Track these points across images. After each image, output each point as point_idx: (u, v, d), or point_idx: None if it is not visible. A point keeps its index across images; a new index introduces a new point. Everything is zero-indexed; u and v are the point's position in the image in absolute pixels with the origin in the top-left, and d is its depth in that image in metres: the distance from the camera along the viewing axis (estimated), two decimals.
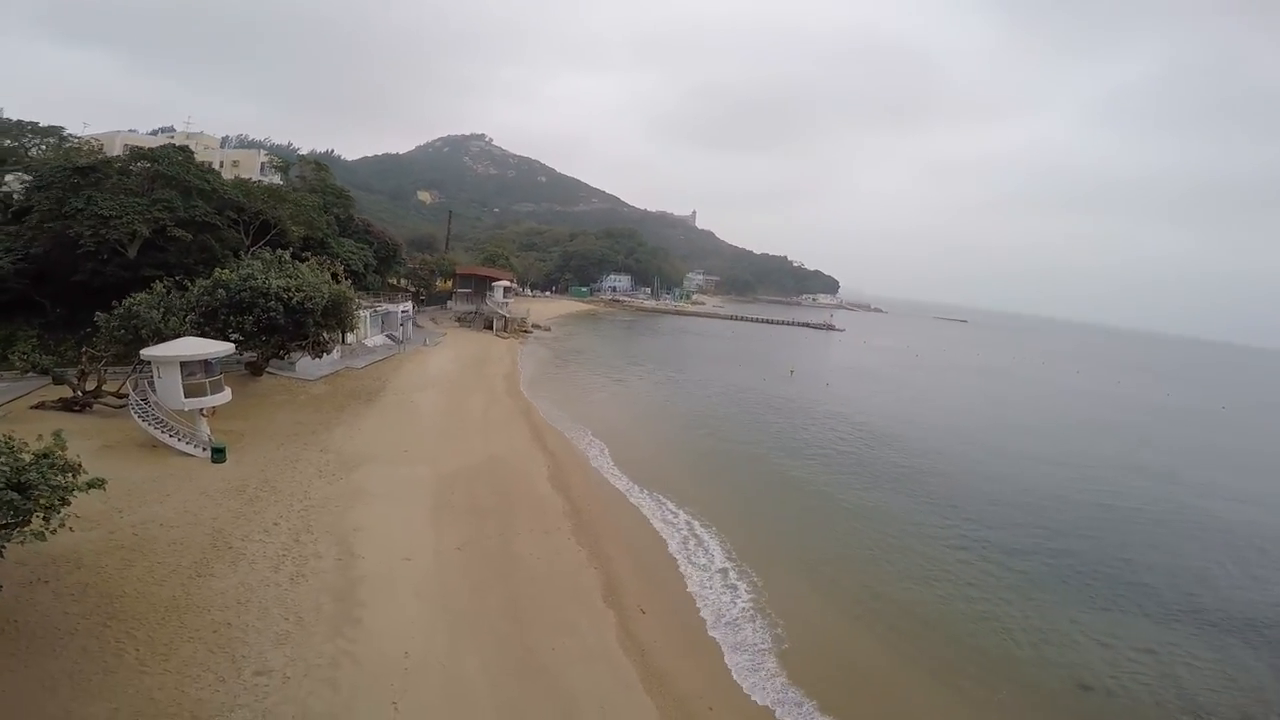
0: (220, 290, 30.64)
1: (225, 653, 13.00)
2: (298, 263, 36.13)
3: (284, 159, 76.12)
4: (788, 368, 75.56)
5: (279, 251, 35.67)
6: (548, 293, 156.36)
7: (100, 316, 30.19)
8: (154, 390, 26.66)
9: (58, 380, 29.67)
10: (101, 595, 14.37)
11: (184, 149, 41.69)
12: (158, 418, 26.27)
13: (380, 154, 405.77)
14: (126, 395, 27.94)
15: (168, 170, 37.03)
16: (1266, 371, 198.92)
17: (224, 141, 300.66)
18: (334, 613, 15.10)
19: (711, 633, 17.07)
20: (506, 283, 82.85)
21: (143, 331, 28.84)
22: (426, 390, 42.48)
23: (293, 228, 51.16)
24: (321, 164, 73.10)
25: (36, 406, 27.83)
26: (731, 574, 20.76)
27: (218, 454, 25.24)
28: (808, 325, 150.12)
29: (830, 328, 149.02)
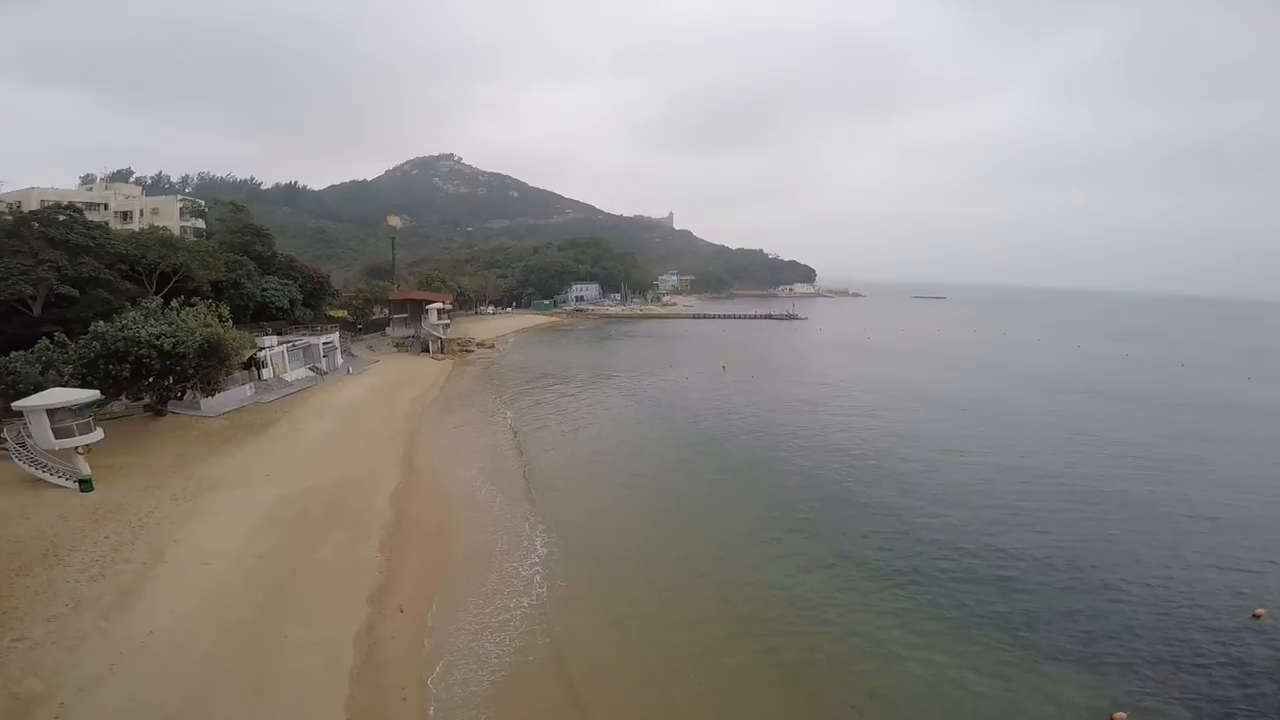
0: (95, 343, 34.47)
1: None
2: (181, 309, 39.96)
3: (197, 205, 79.82)
4: (721, 363, 78.95)
5: (158, 301, 39.44)
6: (509, 308, 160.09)
7: None
8: (29, 435, 30.61)
9: None
10: None
11: (70, 208, 45.57)
12: (33, 457, 30.17)
13: (348, 181, 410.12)
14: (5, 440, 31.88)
15: (51, 231, 40.91)
16: (1238, 323, 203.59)
17: (184, 181, 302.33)
18: (110, 602, 18.75)
19: (451, 639, 18.92)
20: (440, 305, 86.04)
21: (19, 386, 32.61)
22: (323, 418, 45.99)
23: (200, 272, 55.11)
24: (239, 205, 76.97)
25: None
26: (537, 582, 22.83)
27: (85, 484, 29.01)
28: (770, 317, 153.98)
29: (793, 317, 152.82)
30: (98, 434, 31.34)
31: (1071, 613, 21.74)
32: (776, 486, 34.66)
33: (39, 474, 29.64)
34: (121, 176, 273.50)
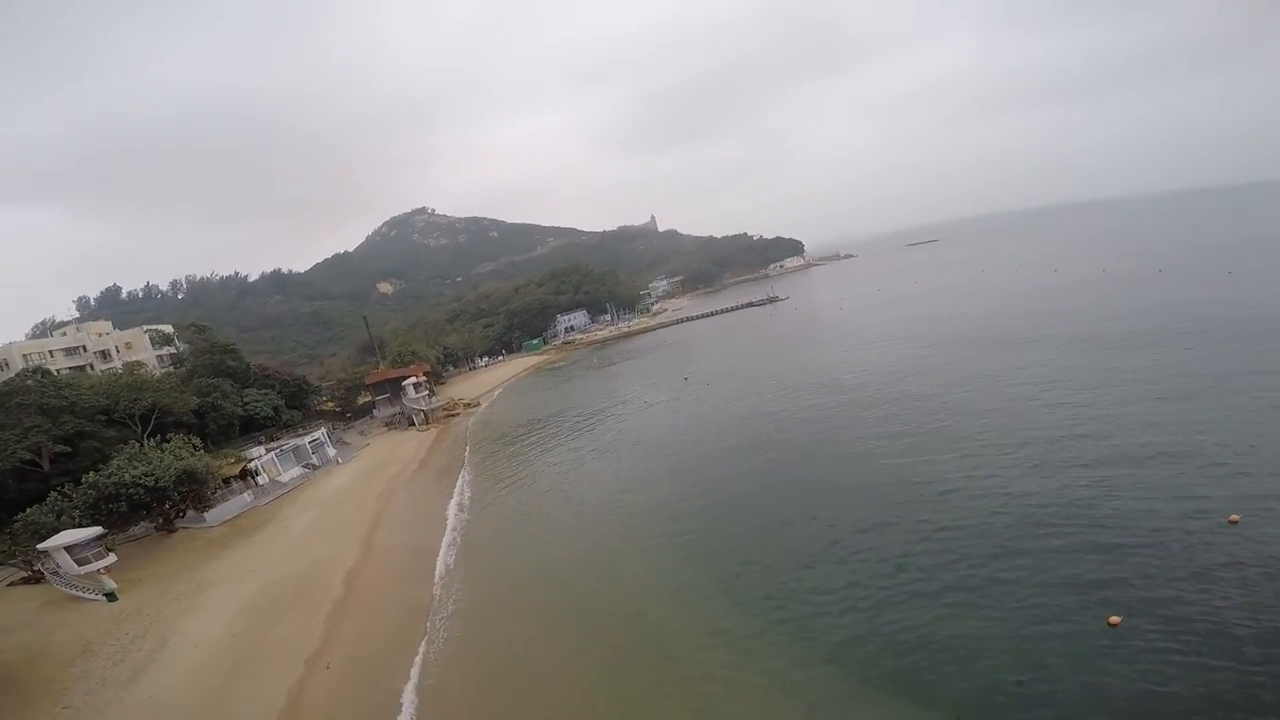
0: (90, 490, 42.99)
1: (53, 697, 25.23)
2: (160, 447, 48.25)
3: (165, 334, 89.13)
4: (684, 375, 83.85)
5: (138, 444, 47.78)
6: (500, 356, 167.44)
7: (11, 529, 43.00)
8: (58, 566, 39.36)
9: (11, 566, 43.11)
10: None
11: (39, 372, 54.73)
12: (66, 580, 38.91)
13: (331, 256, 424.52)
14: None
15: (25, 400, 49.76)
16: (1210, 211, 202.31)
17: (175, 286, 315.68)
18: (126, 679, 27.38)
19: (359, 686, 25.34)
20: (414, 380, 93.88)
21: (40, 532, 41.39)
22: (307, 512, 53.69)
23: (179, 400, 63.77)
24: (200, 325, 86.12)
25: (11, 584, 41.87)
26: (439, 638, 28.54)
27: (110, 597, 37.92)
28: (750, 305, 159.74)
29: (774, 300, 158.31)
30: (111, 558, 40.48)
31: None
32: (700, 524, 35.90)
33: (73, 593, 38.84)
34: (113, 294, 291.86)
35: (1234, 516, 25.16)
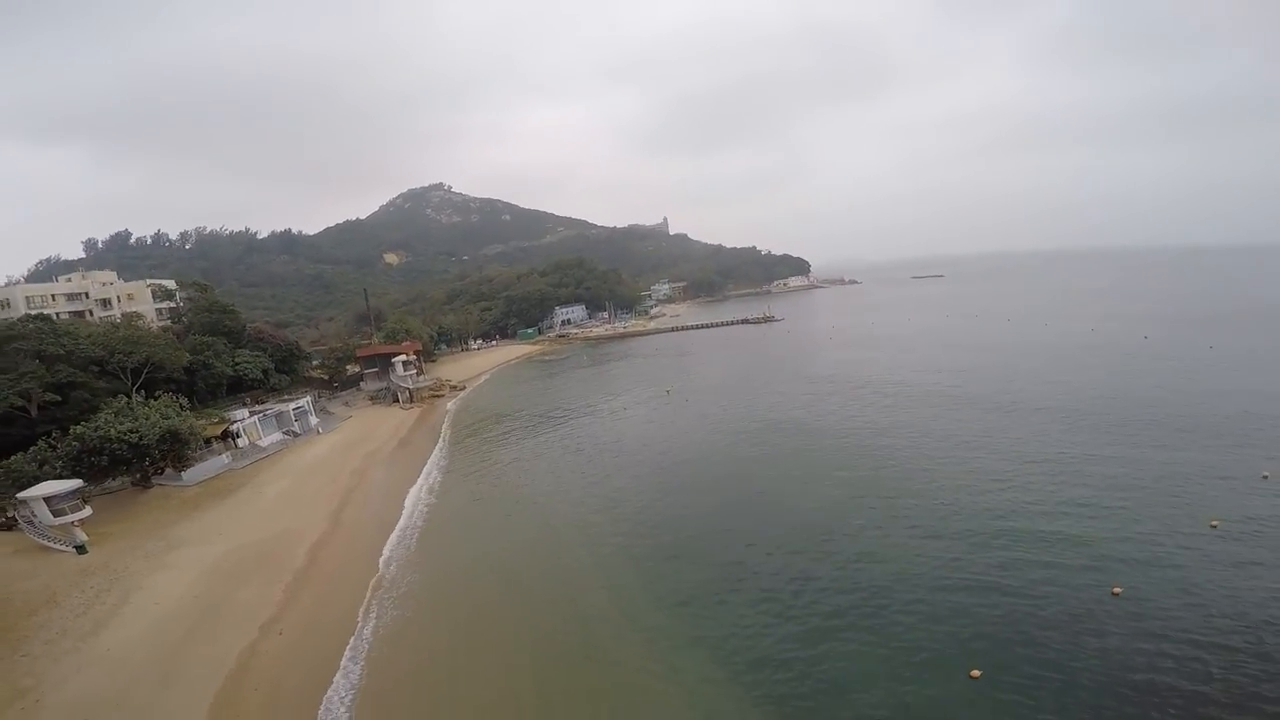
0: (75, 442, 44.54)
1: (12, 645, 26.80)
2: (148, 403, 49.89)
3: (167, 289, 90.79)
4: (666, 388, 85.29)
5: (127, 399, 49.38)
6: (494, 341, 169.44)
7: None
8: (34, 515, 40.75)
9: None
10: None
11: (41, 318, 56.20)
12: (40, 531, 40.32)
13: (342, 222, 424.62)
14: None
15: (26, 345, 51.32)
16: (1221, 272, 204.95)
17: (184, 237, 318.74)
18: (87, 631, 28.73)
19: (307, 652, 27.32)
20: (405, 357, 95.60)
21: (21, 480, 42.88)
22: (282, 480, 55.45)
23: (173, 356, 65.37)
24: (203, 284, 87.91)
25: None
26: (389, 614, 30.61)
27: (80, 549, 39.41)
28: (746, 321, 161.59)
29: (769, 320, 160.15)
30: (86, 511, 41.87)
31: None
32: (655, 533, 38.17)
33: (45, 543, 40.21)
34: (122, 239, 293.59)
35: (1116, 589, 27.25)
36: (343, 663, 26.86)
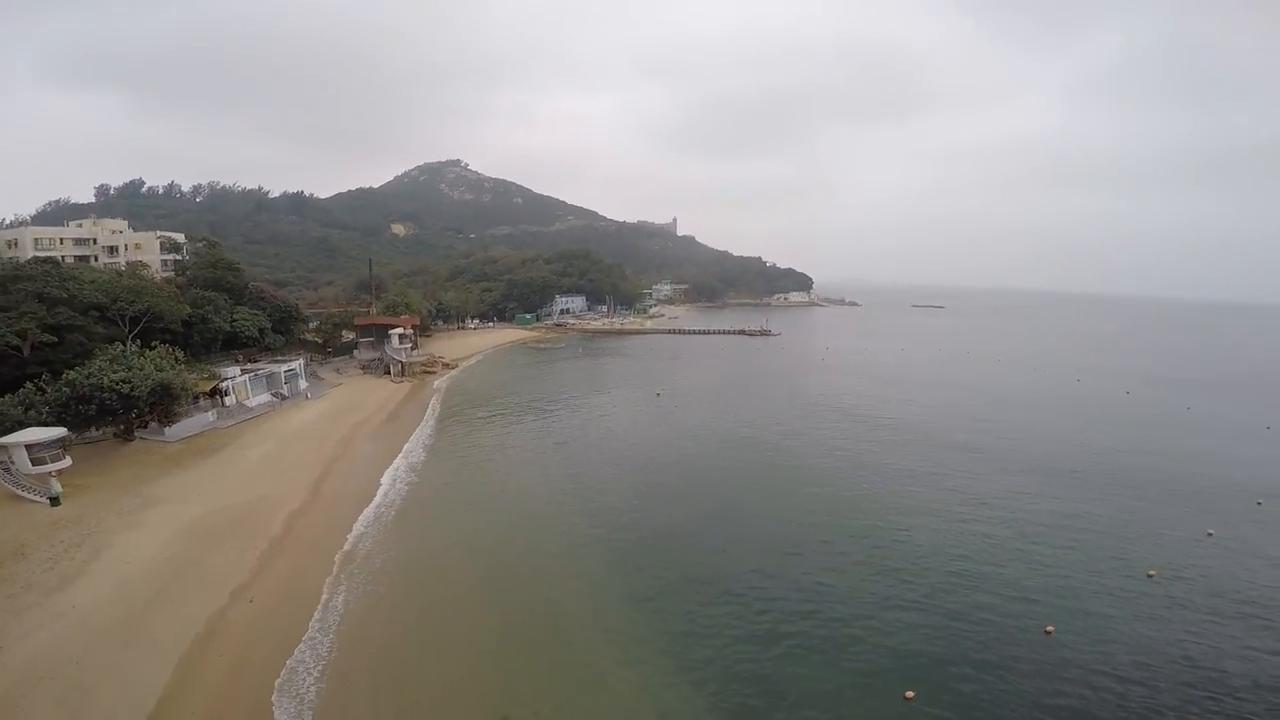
0: (66, 388, 44.81)
1: None
2: (143, 353, 50.19)
3: (175, 241, 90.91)
4: (657, 391, 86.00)
5: (123, 346, 49.65)
6: (491, 323, 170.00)
7: None
8: (12, 462, 40.90)
9: None
10: None
11: (48, 261, 56.36)
12: (15, 479, 40.44)
13: (354, 189, 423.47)
14: None
15: (30, 287, 51.55)
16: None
17: (196, 190, 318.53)
18: (53, 586, 28.62)
19: (274, 622, 27.61)
20: (402, 330, 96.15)
21: (4, 424, 42.99)
22: (265, 443, 55.84)
23: (174, 308, 65.67)
24: (212, 240, 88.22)
25: None
26: (362, 588, 31.28)
27: (54, 501, 39.22)
28: (744, 333, 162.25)
29: (766, 334, 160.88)
30: (67, 461, 41.70)
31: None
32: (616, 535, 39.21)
33: (19, 492, 40.07)
34: (134, 187, 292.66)
35: (1050, 627, 28.77)
36: (311, 634, 27.33)
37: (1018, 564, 35.49)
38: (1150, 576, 34.14)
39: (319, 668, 25.18)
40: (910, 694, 24.09)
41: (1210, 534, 40.37)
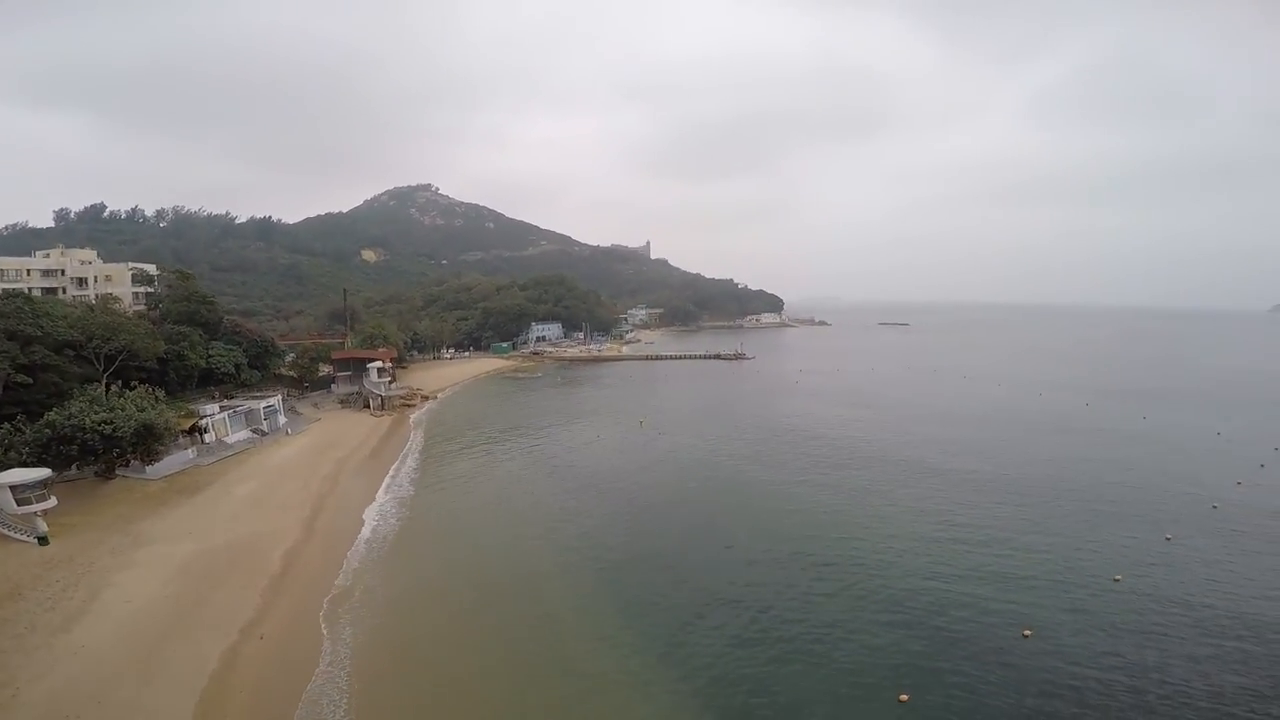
0: (47, 429, 44.42)
1: None
2: (124, 394, 49.84)
3: (147, 273, 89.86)
4: (639, 420, 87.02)
5: (101, 387, 49.29)
6: (468, 352, 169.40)
7: None
8: None
9: None
10: None
11: (19, 295, 55.69)
12: (1, 519, 40.05)
13: (322, 214, 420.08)
14: None
15: (4, 324, 50.80)
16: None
17: (160, 215, 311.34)
18: (57, 626, 28.94)
19: (288, 659, 28.24)
20: (380, 364, 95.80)
21: None
22: (250, 481, 55.53)
23: (150, 345, 64.96)
24: (185, 272, 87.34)
25: None
26: (367, 622, 31.89)
27: (42, 540, 39.20)
28: (719, 357, 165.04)
29: (741, 357, 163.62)
30: (51, 501, 41.76)
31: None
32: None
33: (6, 532, 39.83)
34: (95, 212, 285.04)
35: (1027, 631, 30.89)
36: (324, 666, 28.02)
37: (993, 573, 37.83)
38: (1116, 581, 36.64)
39: (340, 699, 25.85)
40: (904, 696, 25.82)
41: (1169, 539, 43.24)
